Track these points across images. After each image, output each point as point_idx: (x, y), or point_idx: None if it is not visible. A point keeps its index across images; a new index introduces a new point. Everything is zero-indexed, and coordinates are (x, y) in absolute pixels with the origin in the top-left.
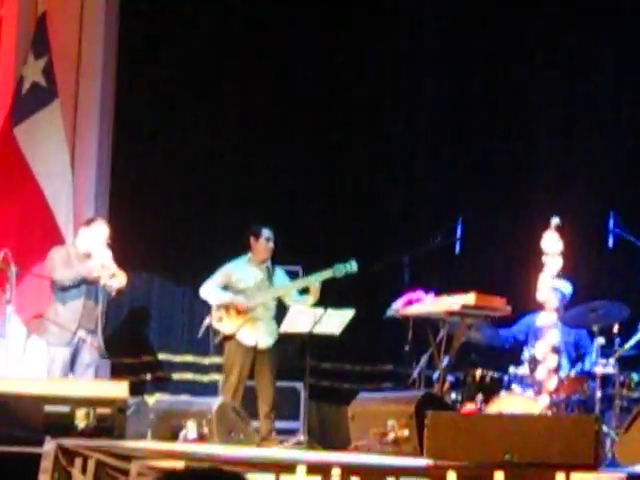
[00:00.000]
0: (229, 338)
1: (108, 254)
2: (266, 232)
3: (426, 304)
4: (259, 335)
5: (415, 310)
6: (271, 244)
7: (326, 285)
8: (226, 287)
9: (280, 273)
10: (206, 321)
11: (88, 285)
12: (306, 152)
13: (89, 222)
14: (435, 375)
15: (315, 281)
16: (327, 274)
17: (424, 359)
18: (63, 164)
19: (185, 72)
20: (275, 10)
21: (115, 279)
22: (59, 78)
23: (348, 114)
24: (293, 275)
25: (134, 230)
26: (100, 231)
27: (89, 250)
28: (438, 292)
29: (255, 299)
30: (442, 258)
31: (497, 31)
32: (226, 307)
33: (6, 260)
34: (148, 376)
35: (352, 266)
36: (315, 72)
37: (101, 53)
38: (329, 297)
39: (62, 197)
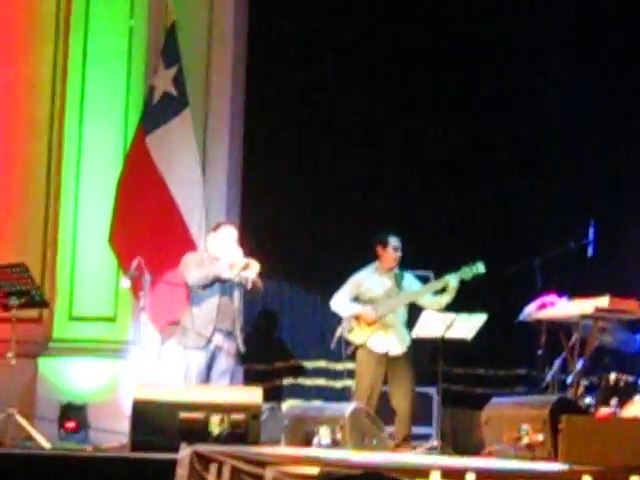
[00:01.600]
0: (361, 346)
1: (239, 252)
2: (393, 240)
3: (559, 308)
4: (390, 342)
5: (548, 314)
6: (399, 253)
7: (458, 289)
8: (356, 297)
9: (409, 278)
10: (338, 332)
11: (222, 285)
12: (435, 157)
13: (216, 227)
14: (569, 379)
15: (448, 281)
16: (455, 277)
17: (557, 363)
18: (195, 172)
19: (315, 77)
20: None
21: (249, 269)
22: (189, 87)
23: (478, 116)
24: (424, 280)
25: (266, 237)
26: (228, 234)
27: (219, 254)
28: (571, 296)
29: (384, 307)
30: (575, 261)
31: None
32: (356, 317)
33: (140, 268)
34: (281, 382)
35: (479, 267)
36: (440, 72)
37: (230, 60)
38: (462, 301)
39: (194, 205)
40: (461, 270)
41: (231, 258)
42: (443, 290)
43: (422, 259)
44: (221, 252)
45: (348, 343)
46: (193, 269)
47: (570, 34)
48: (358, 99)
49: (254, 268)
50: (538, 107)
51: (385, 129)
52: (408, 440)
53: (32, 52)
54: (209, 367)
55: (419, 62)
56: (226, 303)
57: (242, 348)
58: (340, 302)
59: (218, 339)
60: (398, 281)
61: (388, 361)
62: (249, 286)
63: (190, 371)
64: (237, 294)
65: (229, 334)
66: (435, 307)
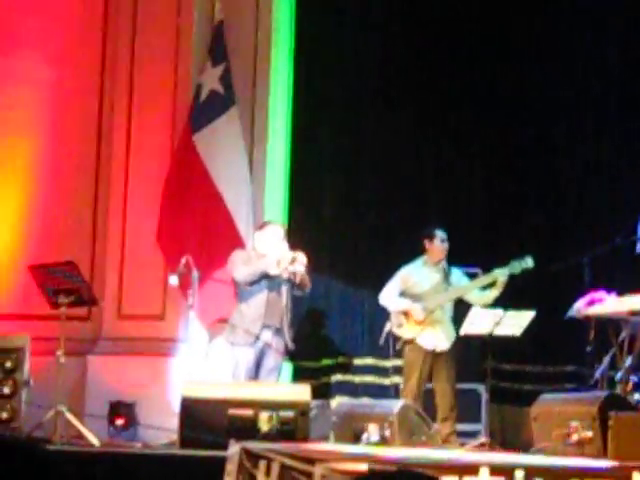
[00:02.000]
0: (409, 342)
1: (285, 246)
2: (440, 233)
3: (608, 304)
4: (438, 338)
5: (597, 310)
6: (446, 245)
7: (506, 286)
8: (404, 291)
9: (457, 273)
10: (386, 327)
11: (270, 281)
12: (486, 153)
13: (263, 226)
14: (618, 375)
15: (497, 276)
16: (504, 271)
17: (606, 359)
18: (242, 170)
19: (362, 75)
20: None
21: (297, 263)
22: (236, 85)
23: (531, 110)
24: (472, 276)
25: (313, 234)
26: (274, 232)
27: (267, 252)
28: (620, 292)
29: (432, 303)
30: (623, 258)
31: None
32: (405, 313)
33: (188, 266)
34: (330, 379)
35: (528, 262)
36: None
37: (277, 58)
38: (510, 297)
39: (242, 202)
40: (510, 264)
41: (278, 254)
42: (491, 285)
43: (471, 255)
44: (268, 250)
45: (397, 338)
46: (240, 266)
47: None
48: (407, 96)
49: (301, 261)
50: (590, 105)
51: (435, 125)
52: (453, 437)
53: (80, 51)
54: (257, 364)
55: (473, 53)
56: (274, 299)
57: (290, 345)
58: (389, 296)
59: (266, 336)
60: (446, 276)
61: (434, 357)
62: (297, 280)
63: (238, 368)
64: (285, 290)
65: (277, 331)
66: (483, 302)
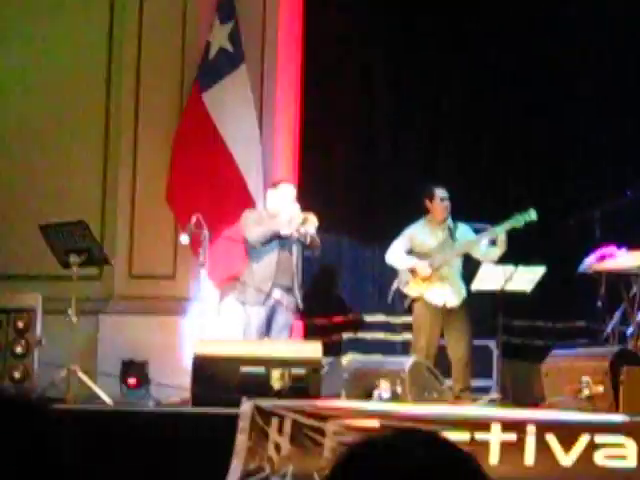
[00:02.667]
0: (417, 299)
1: (296, 207)
2: (439, 192)
3: (619, 259)
4: (446, 294)
5: (608, 265)
6: (446, 203)
7: (517, 242)
8: (410, 250)
9: (463, 229)
10: (394, 286)
11: (281, 240)
12: (488, 109)
13: (276, 184)
14: (629, 331)
15: (498, 233)
16: (507, 225)
17: (617, 315)
18: (251, 128)
19: (373, 34)
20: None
21: (308, 224)
22: (245, 42)
23: (534, 72)
24: (479, 231)
25: (322, 192)
26: (287, 191)
27: (278, 210)
28: (631, 247)
29: (438, 259)
30: (634, 212)
31: None
32: (412, 270)
33: (198, 224)
34: (341, 336)
35: (530, 215)
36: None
37: (287, 15)
38: (520, 254)
39: (251, 161)
40: (512, 218)
41: (289, 214)
42: (494, 241)
43: (479, 211)
44: (279, 209)
45: (405, 296)
46: (252, 226)
47: None
48: (417, 58)
49: (312, 222)
50: (598, 60)
51: (441, 89)
52: (466, 392)
53: (88, 9)
54: (269, 322)
55: (476, 44)
56: (285, 259)
57: (300, 304)
58: (395, 255)
59: (277, 294)
60: (452, 233)
61: (445, 313)
62: (308, 241)
63: (250, 326)
64: (296, 250)
65: (288, 290)
66: (489, 259)
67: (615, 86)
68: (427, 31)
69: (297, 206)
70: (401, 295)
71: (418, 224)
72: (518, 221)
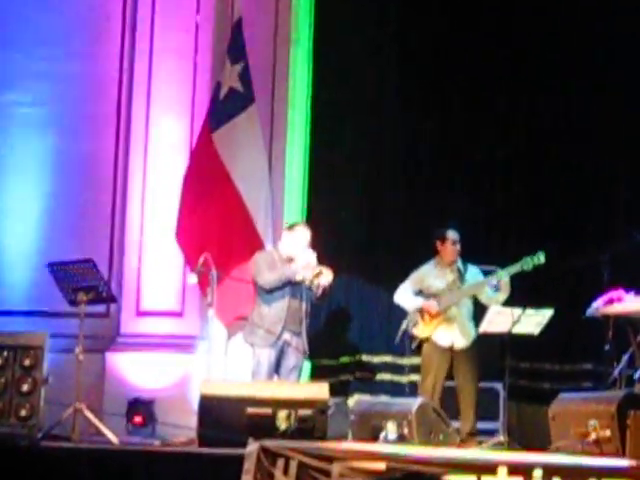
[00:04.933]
0: (425, 340)
1: (312, 255)
2: (451, 235)
3: (627, 303)
4: (454, 336)
5: (616, 309)
6: (457, 246)
7: (525, 284)
8: (419, 292)
9: (473, 271)
10: (402, 326)
11: (293, 286)
12: (500, 150)
13: (292, 227)
14: (636, 374)
15: (504, 276)
16: (515, 268)
17: (625, 358)
18: (261, 168)
19: (380, 60)
20: None
21: (322, 276)
22: (255, 83)
23: (545, 105)
24: (488, 274)
25: (332, 234)
26: (302, 235)
27: (291, 254)
28: (639, 291)
29: (446, 300)
30: None
31: None
32: (420, 311)
33: (207, 264)
34: (348, 377)
35: (540, 258)
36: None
37: (296, 57)
38: (528, 296)
39: (260, 201)
40: (522, 261)
41: (305, 260)
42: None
43: (487, 254)
44: (294, 253)
45: (413, 337)
46: (266, 272)
47: None
48: (427, 92)
49: (327, 276)
50: (607, 98)
51: (454, 123)
52: (474, 435)
53: (99, 48)
54: (278, 363)
55: (491, 48)
56: (295, 305)
57: (307, 349)
58: (403, 295)
59: (287, 336)
60: (461, 274)
61: (453, 355)
62: (319, 293)
63: (260, 367)
64: (306, 296)
65: (297, 334)
66: (493, 303)
67: (627, 133)
68: (432, 76)
69: (313, 254)
70: (409, 336)
71: (427, 265)
72: (527, 264)
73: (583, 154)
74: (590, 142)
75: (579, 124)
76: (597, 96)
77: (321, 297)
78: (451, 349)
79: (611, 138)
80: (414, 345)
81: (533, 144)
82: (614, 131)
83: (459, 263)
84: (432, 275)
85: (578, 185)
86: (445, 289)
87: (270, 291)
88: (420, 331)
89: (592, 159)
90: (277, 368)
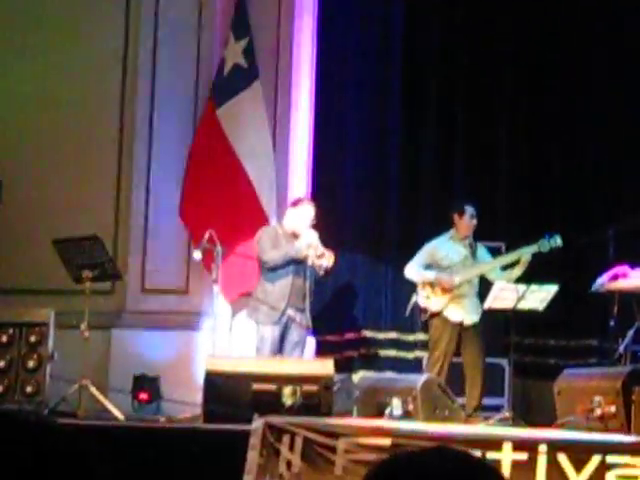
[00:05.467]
0: (435, 315)
1: (315, 235)
2: (470, 209)
3: (632, 278)
4: (465, 312)
5: (621, 285)
6: (474, 221)
7: (531, 260)
8: (430, 265)
9: (482, 250)
10: (413, 299)
11: (296, 264)
12: (510, 127)
13: (296, 203)
14: None
15: (522, 255)
16: (532, 249)
17: (630, 334)
18: (265, 144)
19: (385, 38)
20: None
21: (324, 259)
22: (259, 59)
23: (548, 86)
24: (495, 251)
25: (337, 208)
26: (307, 212)
27: (296, 230)
28: None
29: (460, 276)
30: None
31: None
32: (431, 285)
33: (212, 240)
34: (353, 353)
35: (557, 241)
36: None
37: (300, 32)
38: (533, 272)
39: (265, 176)
40: (539, 242)
41: (308, 240)
42: (514, 264)
43: (494, 230)
44: (298, 229)
45: (423, 311)
46: (269, 249)
47: None
48: (432, 70)
49: (329, 259)
50: (617, 77)
51: (460, 101)
52: (479, 411)
53: (103, 26)
54: (282, 338)
55: (499, 35)
56: (299, 282)
57: (310, 325)
58: (414, 269)
59: (290, 312)
60: (473, 251)
61: (462, 331)
62: (321, 273)
63: (264, 344)
64: (309, 274)
65: (301, 310)
66: (505, 280)
67: (633, 106)
68: (439, 54)
69: (316, 234)
70: (419, 310)
71: (442, 238)
72: (544, 246)
73: (588, 130)
74: (595, 119)
75: (582, 106)
76: (602, 81)
77: (324, 276)
78: (461, 325)
79: (616, 119)
80: (425, 318)
81: (537, 125)
82: (619, 112)
83: (471, 239)
84: (445, 248)
85: (584, 162)
86: (458, 264)
87: (274, 269)
88: (432, 304)
89: (597, 135)
90: (281, 343)
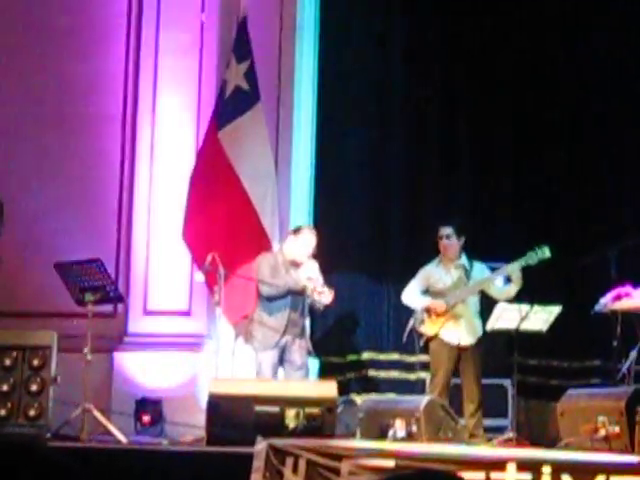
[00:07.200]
0: (433, 338)
1: (315, 265)
2: (444, 230)
3: (635, 299)
4: (461, 333)
5: (624, 305)
6: (451, 240)
7: (532, 280)
8: (427, 290)
9: (479, 268)
10: (409, 325)
11: (294, 295)
12: (511, 144)
13: (297, 231)
14: None
15: (510, 271)
16: (519, 263)
17: (633, 354)
18: (267, 166)
19: (387, 58)
20: None
21: (323, 296)
22: (261, 81)
23: (551, 102)
24: (495, 270)
25: (339, 231)
26: (308, 240)
27: (296, 259)
28: None
29: (450, 298)
30: None
31: None
32: (427, 310)
33: (214, 263)
34: (355, 375)
35: (544, 252)
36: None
37: (301, 54)
38: (536, 293)
39: (267, 199)
40: (527, 255)
41: (308, 272)
42: (509, 279)
43: (496, 250)
44: (299, 257)
45: (420, 335)
46: (267, 278)
47: None
48: (434, 88)
49: (327, 298)
50: (621, 94)
51: (454, 122)
52: (479, 431)
53: (104, 48)
54: (281, 360)
55: (504, 40)
56: (295, 317)
57: (311, 348)
58: (410, 295)
59: (288, 338)
60: (467, 271)
61: (459, 352)
62: (320, 308)
63: (262, 368)
64: (306, 305)
65: (299, 336)
66: (504, 297)
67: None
68: (439, 77)
69: (316, 265)
70: (417, 334)
71: (432, 263)
72: (532, 258)
73: (591, 147)
74: (598, 139)
75: (587, 121)
76: (604, 98)
77: (321, 310)
78: (458, 346)
79: (619, 135)
80: (421, 342)
81: (540, 140)
82: (622, 127)
83: (463, 260)
84: (436, 273)
85: (586, 181)
86: (451, 286)
87: (272, 299)
88: (427, 329)
89: (601, 155)
90: (281, 363)
